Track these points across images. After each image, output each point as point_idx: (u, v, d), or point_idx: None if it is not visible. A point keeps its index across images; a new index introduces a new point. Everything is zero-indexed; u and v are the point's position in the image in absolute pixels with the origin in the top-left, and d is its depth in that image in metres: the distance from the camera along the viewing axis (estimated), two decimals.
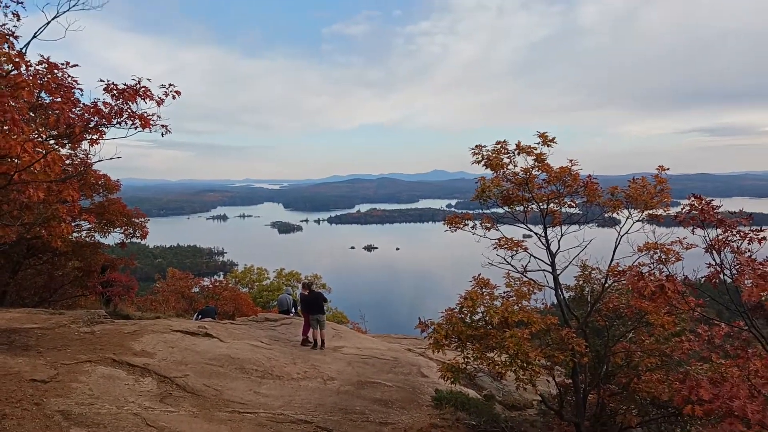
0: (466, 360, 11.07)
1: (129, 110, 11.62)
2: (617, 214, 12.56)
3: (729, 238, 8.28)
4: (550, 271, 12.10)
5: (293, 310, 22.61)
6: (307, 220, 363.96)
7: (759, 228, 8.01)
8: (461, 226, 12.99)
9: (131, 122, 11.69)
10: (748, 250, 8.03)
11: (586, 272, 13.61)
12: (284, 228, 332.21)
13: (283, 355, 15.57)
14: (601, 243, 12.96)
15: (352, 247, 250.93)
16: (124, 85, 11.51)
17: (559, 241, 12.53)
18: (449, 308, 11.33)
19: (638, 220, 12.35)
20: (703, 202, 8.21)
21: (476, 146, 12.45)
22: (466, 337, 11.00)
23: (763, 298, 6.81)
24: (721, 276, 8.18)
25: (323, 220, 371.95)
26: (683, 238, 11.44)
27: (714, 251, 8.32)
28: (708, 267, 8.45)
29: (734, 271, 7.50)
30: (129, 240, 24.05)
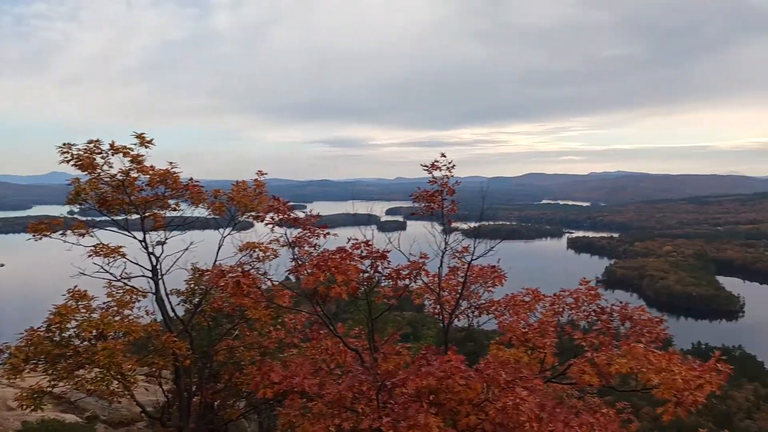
0: (52, 382, 9.95)
1: None
2: (250, 217, 13.00)
3: (306, 235, 9.35)
4: (151, 276, 11.79)
5: None
6: None
7: (326, 225, 9.26)
8: (48, 233, 11.57)
9: None
10: (318, 245, 9.20)
11: (197, 275, 13.69)
12: None
13: None
14: (213, 246, 13.20)
15: None
16: None
17: (163, 245, 12.32)
18: (31, 328, 10.04)
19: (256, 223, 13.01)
20: (281, 203, 9.06)
21: (65, 144, 11.29)
22: (54, 356, 9.94)
23: (319, 284, 7.84)
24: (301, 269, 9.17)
25: None
26: (280, 237, 12.50)
27: (294, 247, 9.29)
28: (291, 261, 9.39)
29: (302, 262, 8.48)
30: None
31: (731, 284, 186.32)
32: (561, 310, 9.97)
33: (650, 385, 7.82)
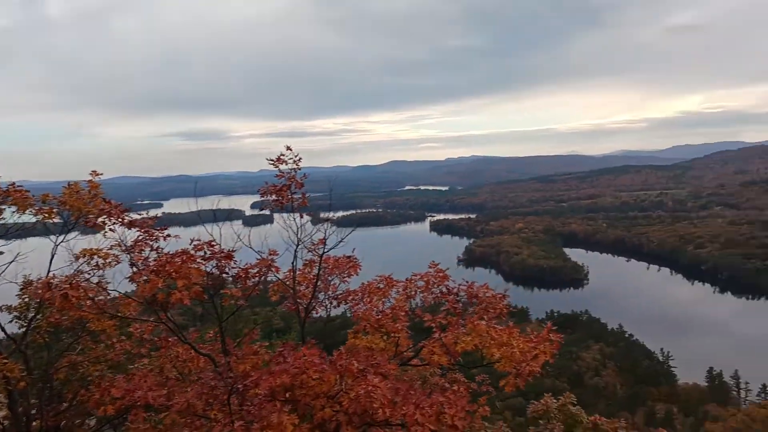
0: None
1: None
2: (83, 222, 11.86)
3: (145, 239, 8.78)
4: None
5: None
6: None
7: (165, 227, 8.75)
8: None
9: None
10: (160, 248, 8.68)
11: (30, 287, 12.41)
12: None
13: None
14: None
15: None
16: None
17: None
18: None
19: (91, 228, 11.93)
20: (112, 206, 8.43)
21: None
22: None
23: (158, 291, 7.41)
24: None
25: None
26: (121, 241, 11.64)
27: (130, 252, 8.69)
28: (131, 267, 8.78)
29: (140, 268, 7.96)
30: None
31: (576, 255, 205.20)
32: (413, 293, 10.28)
33: (493, 360, 8.29)
